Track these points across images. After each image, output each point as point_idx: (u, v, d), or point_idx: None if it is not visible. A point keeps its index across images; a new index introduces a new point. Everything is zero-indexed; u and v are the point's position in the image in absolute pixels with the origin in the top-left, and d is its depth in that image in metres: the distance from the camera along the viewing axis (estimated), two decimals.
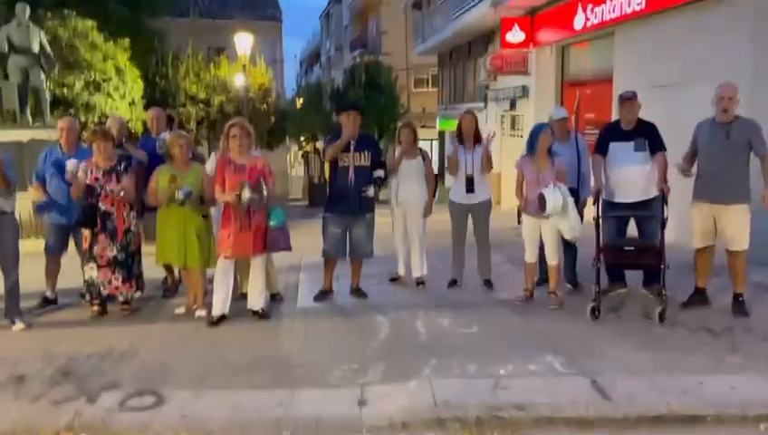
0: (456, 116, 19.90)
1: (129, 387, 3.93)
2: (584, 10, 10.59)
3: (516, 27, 13.27)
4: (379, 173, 5.78)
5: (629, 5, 9.13)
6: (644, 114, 5.65)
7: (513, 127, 14.93)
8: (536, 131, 5.42)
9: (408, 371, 4.09)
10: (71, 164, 5.24)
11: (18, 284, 5.17)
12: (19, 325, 5.10)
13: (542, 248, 5.66)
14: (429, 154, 6.43)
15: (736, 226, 5.02)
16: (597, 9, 10.15)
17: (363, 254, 5.94)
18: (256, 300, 5.36)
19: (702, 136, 5.21)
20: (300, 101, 27.72)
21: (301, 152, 28.05)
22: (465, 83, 19.80)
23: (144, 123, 13.85)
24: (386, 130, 24.13)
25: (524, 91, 13.73)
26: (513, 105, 14.63)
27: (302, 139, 26.02)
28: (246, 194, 4.92)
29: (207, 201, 5.30)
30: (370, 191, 5.70)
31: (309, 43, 58.61)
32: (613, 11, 9.62)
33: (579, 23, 10.86)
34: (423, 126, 30.88)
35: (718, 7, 7.37)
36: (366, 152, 5.69)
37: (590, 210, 5.45)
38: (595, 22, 10.26)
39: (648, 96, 8.47)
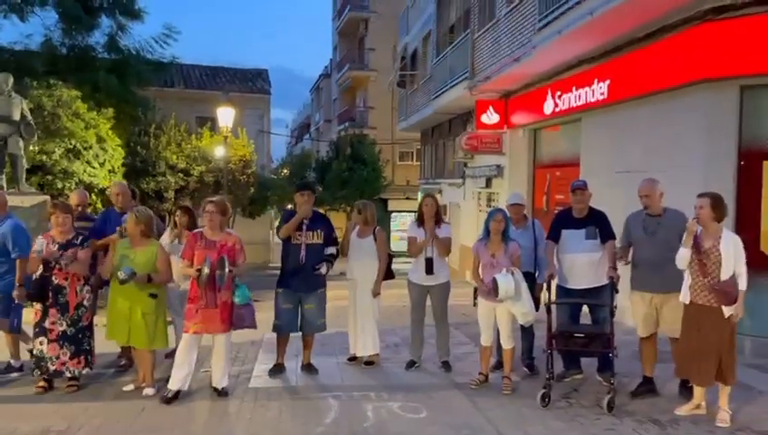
0: (435, 191, 20.31)
1: None
2: (553, 96, 11.01)
3: (491, 109, 13.72)
4: (331, 250, 5.93)
5: (593, 95, 9.51)
6: (606, 198, 5.82)
7: (488, 204, 15.18)
8: (489, 217, 5.54)
9: None
10: (38, 243, 5.25)
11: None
12: None
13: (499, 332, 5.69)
14: (384, 231, 6.53)
15: (675, 314, 5.07)
16: (564, 96, 10.56)
17: (314, 328, 6.00)
18: (219, 378, 5.33)
19: (634, 228, 5.36)
20: (285, 171, 28.15)
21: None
22: (445, 159, 20.24)
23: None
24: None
25: (499, 170, 14.05)
26: (488, 183, 14.94)
27: (286, 208, 26.27)
28: (205, 270, 4.96)
29: (158, 280, 5.28)
30: (323, 269, 5.83)
31: (300, 114, 60.05)
32: (579, 99, 10.01)
33: (548, 108, 11.27)
34: (407, 198, 31.43)
35: (674, 100, 7.70)
36: (318, 231, 5.84)
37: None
38: (563, 108, 10.65)
39: (611, 181, 8.83)
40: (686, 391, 5.16)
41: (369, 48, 33.36)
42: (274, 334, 6.09)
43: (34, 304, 5.28)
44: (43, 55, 17.54)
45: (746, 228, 6.95)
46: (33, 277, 5.18)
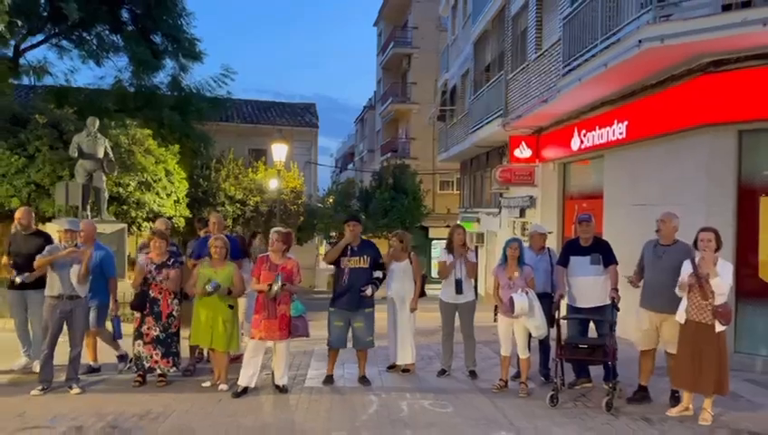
0: (473, 219, 21.24)
1: None
2: (579, 134, 11.93)
3: (524, 144, 14.69)
4: (378, 274, 6.92)
5: (614, 134, 10.41)
6: (625, 229, 6.62)
7: (522, 233, 16.03)
8: (506, 245, 6.54)
9: None
10: (141, 263, 6.53)
11: (80, 355, 6.33)
12: (76, 389, 6.21)
13: None
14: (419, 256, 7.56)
15: (674, 332, 5.93)
16: (588, 134, 11.48)
17: (363, 344, 6.93)
18: (280, 377, 6.43)
19: (646, 254, 6.25)
20: (330, 200, 29.50)
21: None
22: (482, 190, 21.19)
23: (187, 221, 15.47)
24: (410, 230, 25.43)
25: (532, 201, 14.95)
26: (522, 213, 15.82)
27: (331, 235, 27.54)
28: (275, 287, 6.09)
29: (235, 294, 6.48)
30: (369, 291, 6.75)
31: (344, 144, 61.93)
32: (601, 137, 10.92)
33: (575, 144, 12.18)
34: (447, 226, 32.37)
35: (681, 141, 8.57)
36: (365, 256, 6.82)
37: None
38: (588, 145, 11.56)
39: (630, 213, 9.71)
40: (674, 400, 5.98)
41: (411, 82, 34.80)
42: (325, 347, 7.14)
43: (135, 312, 6.50)
44: (113, 94, 19.39)
45: (746, 258, 7.78)
46: (135, 291, 6.43)
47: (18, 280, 6.71)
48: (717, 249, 5.59)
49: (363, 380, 6.91)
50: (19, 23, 15.24)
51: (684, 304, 5.67)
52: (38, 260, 6.18)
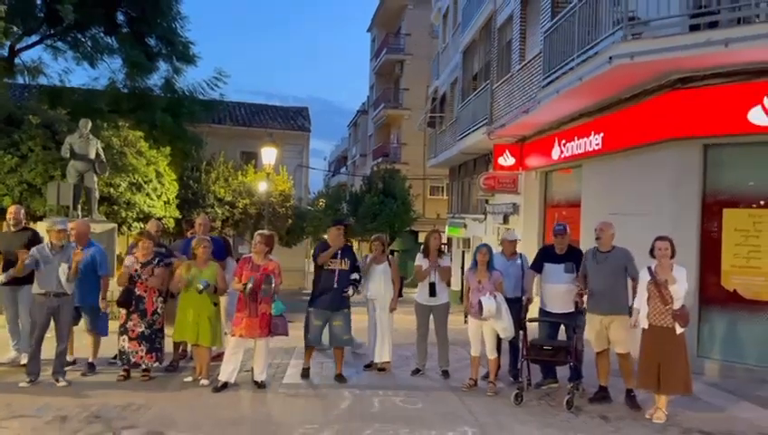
0: (460, 225, 21.57)
1: (143, 429, 5.25)
2: (559, 144, 12.29)
3: (507, 153, 15.04)
4: (355, 276, 7.27)
5: (591, 145, 10.77)
6: None
7: None
8: (476, 250, 6.87)
9: (355, 431, 5.34)
10: (128, 262, 6.80)
11: (66, 350, 6.61)
12: (62, 382, 6.48)
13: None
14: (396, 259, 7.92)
15: (619, 333, 6.27)
16: (568, 144, 11.84)
17: (341, 342, 7.26)
18: (259, 373, 6.71)
19: (588, 261, 6.58)
20: (321, 203, 29.82)
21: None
22: (470, 196, 21.54)
23: (177, 222, 15.75)
24: (397, 234, 25.78)
25: (515, 208, 15.30)
26: (505, 219, 16.15)
27: (321, 238, 27.84)
28: (249, 286, 6.40)
29: (221, 292, 6.77)
30: (350, 292, 7.15)
31: (338, 147, 62.30)
32: (579, 147, 11.28)
33: (555, 154, 12.54)
34: (432, 229, 32.77)
35: (650, 154, 8.92)
36: (347, 259, 7.18)
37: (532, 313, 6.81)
38: (567, 155, 11.91)
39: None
40: (629, 399, 6.31)
41: (403, 88, 35.22)
42: (303, 346, 7.44)
43: (120, 309, 6.78)
44: (106, 95, 19.62)
45: (709, 267, 8.13)
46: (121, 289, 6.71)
47: (2, 278, 6.91)
48: (672, 256, 5.94)
49: (340, 377, 7.20)
50: (15, 28, 15.44)
51: (644, 310, 5.99)
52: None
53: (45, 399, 5.97)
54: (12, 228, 7.24)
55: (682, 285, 5.85)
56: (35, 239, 7.16)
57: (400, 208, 25.39)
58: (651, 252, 5.96)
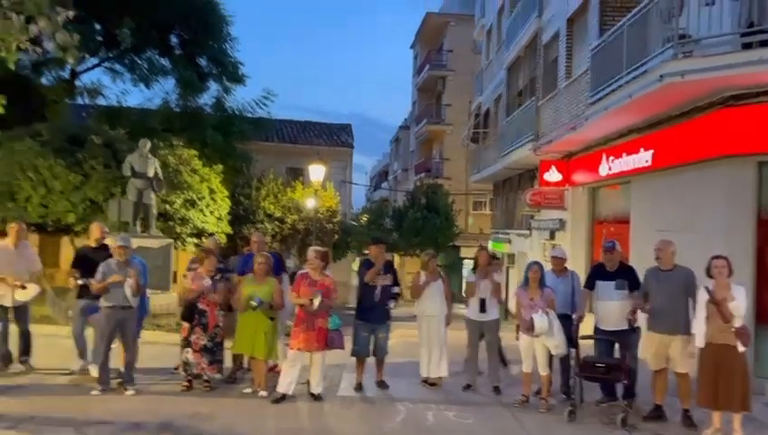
0: (504, 240, 21.52)
1: None
2: (607, 160, 12.27)
3: (554, 168, 15.03)
4: (396, 290, 7.60)
5: (640, 161, 10.74)
6: (650, 254, 6.91)
7: None
8: (528, 268, 6.97)
9: None
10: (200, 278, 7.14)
11: (134, 360, 6.96)
12: (131, 391, 6.83)
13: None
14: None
15: (680, 352, 6.27)
16: (616, 161, 11.81)
17: (385, 352, 7.64)
18: (316, 386, 6.94)
19: (649, 281, 6.60)
20: (364, 218, 30.14)
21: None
22: (514, 211, 21.50)
23: (228, 238, 16.22)
24: (441, 249, 25.85)
25: (561, 224, 15.25)
26: (552, 235, 16.11)
27: (364, 252, 28.11)
28: (316, 302, 6.65)
29: (276, 308, 7.03)
30: (392, 305, 7.51)
31: (379, 162, 62.81)
32: (628, 164, 11.24)
33: (603, 170, 12.50)
34: (480, 246, 32.69)
35: (703, 171, 8.87)
36: (389, 274, 7.50)
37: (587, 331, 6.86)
38: (615, 171, 11.88)
39: (655, 239, 9.95)
40: (686, 419, 6.29)
41: (445, 104, 35.40)
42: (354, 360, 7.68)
43: (184, 322, 7.11)
44: (160, 115, 20.41)
45: (765, 286, 8.02)
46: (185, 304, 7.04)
47: (81, 282, 7.34)
48: (729, 275, 5.93)
49: (381, 384, 7.56)
50: (86, 55, 16.31)
51: (702, 328, 5.98)
52: (93, 285, 6.86)
53: (117, 406, 6.32)
54: (93, 244, 7.68)
55: (742, 303, 5.84)
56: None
57: (443, 224, 25.52)
58: (708, 271, 5.96)
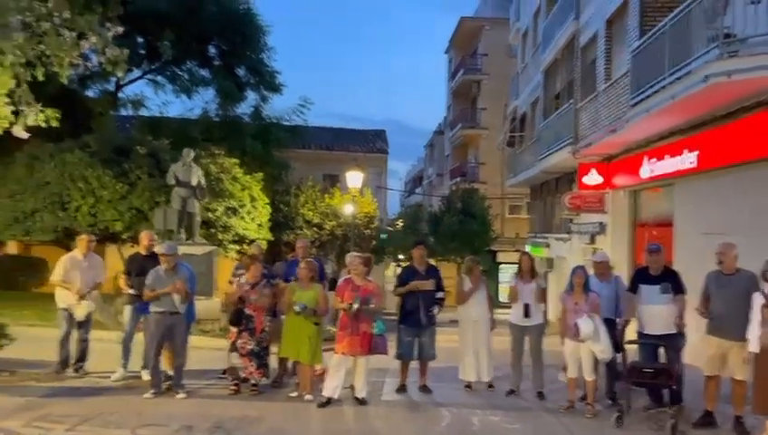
0: (542, 244, 21.34)
1: None
2: (648, 162, 12.09)
3: (594, 171, 14.85)
4: (440, 295, 7.64)
5: (683, 163, 10.56)
6: (695, 258, 6.82)
7: None
8: (572, 273, 6.93)
9: None
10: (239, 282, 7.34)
11: (184, 364, 7.15)
12: (182, 394, 7.01)
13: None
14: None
15: (740, 359, 6.12)
16: (658, 163, 11.64)
17: (429, 356, 7.68)
18: (360, 390, 7.02)
19: (710, 285, 6.47)
20: (399, 223, 30.21)
21: (399, 270, 30.18)
22: (552, 215, 21.30)
23: (269, 244, 16.46)
24: (478, 253, 25.69)
25: (602, 227, 15.06)
26: (592, 239, 15.91)
27: (400, 257, 28.17)
28: (355, 306, 6.74)
29: (320, 313, 7.15)
30: (435, 310, 7.54)
31: (414, 167, 62.87)
32: (671, 166, 11.06)
33: (644, 172, 12.32)
34: (516, 250, 32.39)
35: (751, 172, 8.69)
36: (432, 279, 7.50)
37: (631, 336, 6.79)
38: (657, 173, 11.70)
39: (700, 242, 9.81)
40: (738, 426, 6.15)
41: (480, 108, 35.27)
42: (398, 363, 7.74)
43: (231, 327, 7.28)
44: (200, 124, 20.87)
45: None
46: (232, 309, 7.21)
47: (132, 292, 7.60)
48: None
49: (424, 388, 7.59)
50: (132, 68, 16.82)
51: (756, 333, 5.84)
52: (146, 295, 7.08)
53: (169, 409, 6.50)
54: (143, 252, 7.93)
55: None
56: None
57: (480, 228, 25.39)
58: (764, 274, 5.83)
